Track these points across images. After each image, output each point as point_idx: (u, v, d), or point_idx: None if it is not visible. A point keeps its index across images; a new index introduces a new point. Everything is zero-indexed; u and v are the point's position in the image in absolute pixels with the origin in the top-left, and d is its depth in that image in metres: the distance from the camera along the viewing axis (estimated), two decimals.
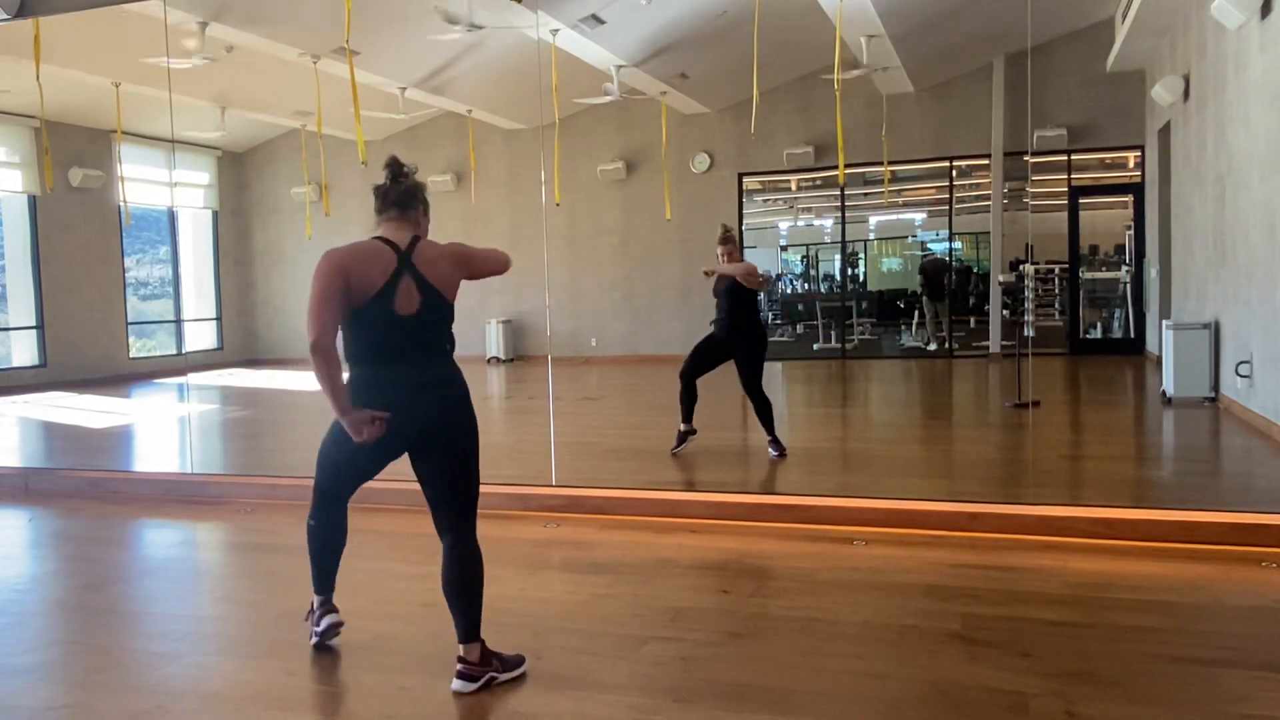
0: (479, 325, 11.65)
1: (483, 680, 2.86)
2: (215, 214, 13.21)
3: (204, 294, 13.02)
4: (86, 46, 8.78)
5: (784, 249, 12.68)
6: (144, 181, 12.45)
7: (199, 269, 13.20)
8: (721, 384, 6.26)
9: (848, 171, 9.55)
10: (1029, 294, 8.89)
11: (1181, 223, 8.92)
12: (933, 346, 11.22)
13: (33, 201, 11.40)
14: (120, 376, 12.04)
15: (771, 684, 2.86)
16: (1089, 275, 11.26)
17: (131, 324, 12.62)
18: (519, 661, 2.97)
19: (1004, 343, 10.39)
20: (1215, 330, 7.36)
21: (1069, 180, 11.05)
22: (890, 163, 10.41)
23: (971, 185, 11.59)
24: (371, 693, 2.90)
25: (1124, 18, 9.11)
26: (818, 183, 11.71)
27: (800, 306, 12.13)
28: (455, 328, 2.97)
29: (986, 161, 10.91)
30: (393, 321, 2.79)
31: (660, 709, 2.70)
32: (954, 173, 11.23)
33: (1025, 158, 10.72)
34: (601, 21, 8.82)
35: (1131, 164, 10.88)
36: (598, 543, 4.46)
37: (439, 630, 3.29)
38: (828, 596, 3.62)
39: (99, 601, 3.92)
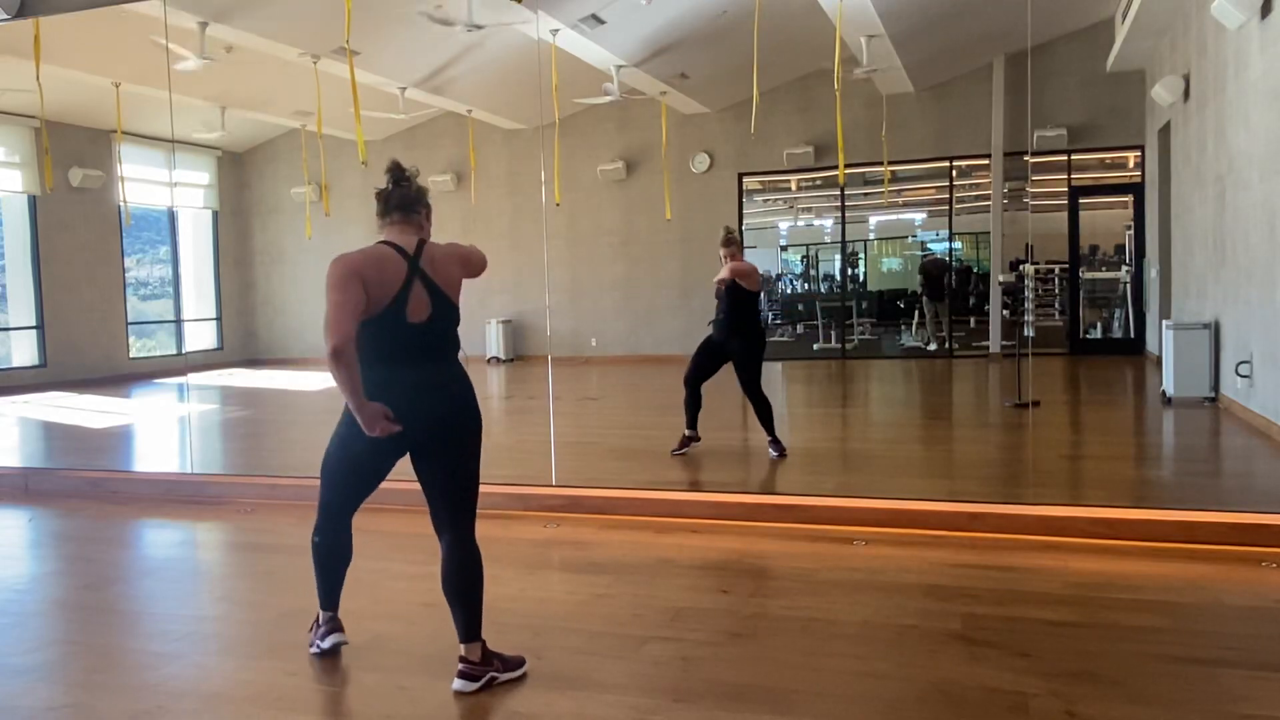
0: (479, 325, 11.65)
1: (484, 680, 2.86)
2: (215, 214, 13.22)
3: (204, 294, 13.03)
4: (86, 46, 8.78)
5: (784, 249, 12.69)
6: (144, 181, 12.46)
7: (199, 269, 13.21)
8: (722, 384, 6.26)
9: (848, 171, 9.55)
10: (1029, 294, 8.90)
11: (1181, 223, 8.92)
12: (933, 346, 11.22)
13: (33, 201, 11.40)
14: (120, 376, 12.05)
15: (771, 684, 2.86)
16: (1089, 275, 11.26)
17: (131, 324, 12.62)
18: (520, 662, 2.97)
19: (1004, 343, 10.39)
20: (1215, 330, 7.36)
21: (1069, 180, 11.05)
22: (890, 163, 10.41)
23: (971, 185, 11.59)
24: (371, 693, 2.90)
25: (1124, 18, 9.11)
26: (818, 183, 11.71)
27: (800, 306, 12.13)
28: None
29: (986, 161, 10.91)
30: (404, 329, 2.80)
31: (660, 709, 2.70)
32: (954, 173, 11.23)
33: (1025, 158, 10.72)
34: (601, 21, 8.82)
35: (1131, 164, 10.88)
36: (598, 543, 4.46)
37: (439, 630, 3.28)
38: (828, 596, 3.62)
39: (99, 601, 3.92)
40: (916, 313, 11.50)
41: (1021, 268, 9.82)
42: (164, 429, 9.03)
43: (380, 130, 11.54)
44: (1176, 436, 7.11)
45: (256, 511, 5.31)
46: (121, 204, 12.10)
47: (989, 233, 11.08)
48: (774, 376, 8.12)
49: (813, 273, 12.66)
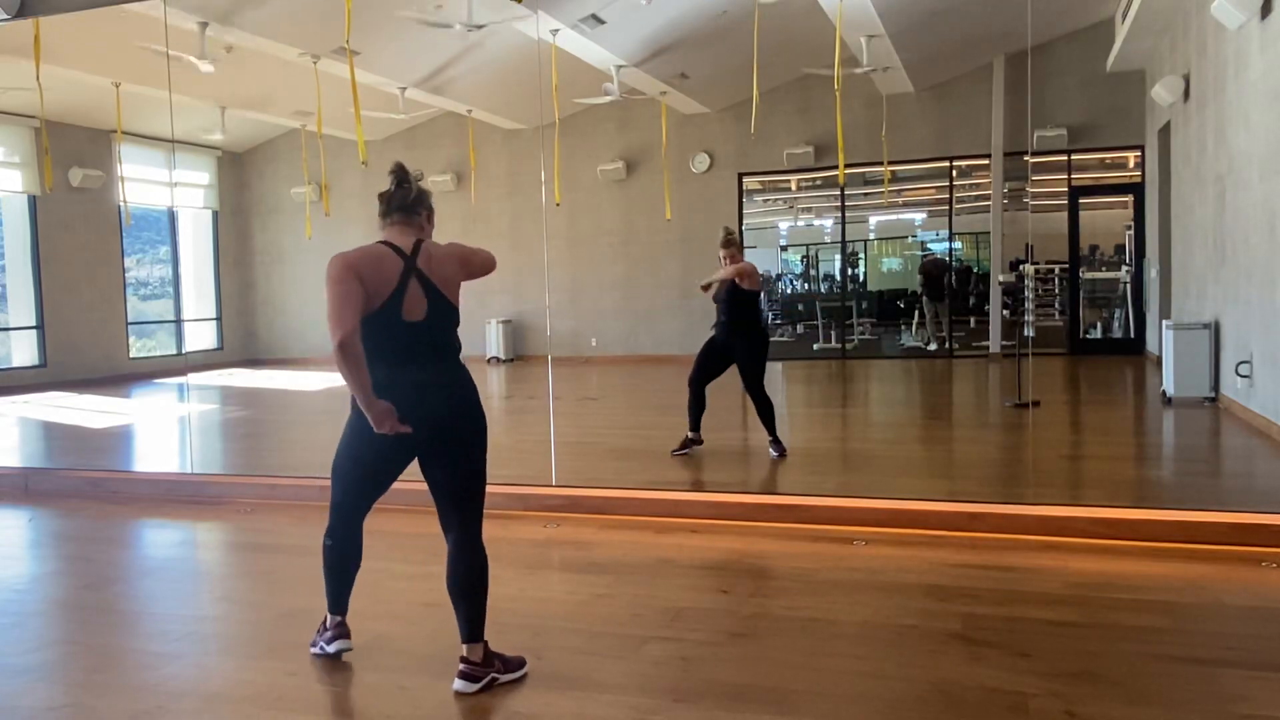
0: (479, 325, 11.65)
1: (484, 681, 2.86)
2: (215, 214, 13.22)
3: (204, 294, 13.03)
4: (86, 46, 8.78)
5: (784, 249, 12.69)
6: (144, 181, 12.46)
7: (199, 269, 13.21)
8: (722, 384, 6.26)
9: (848, 171, 9.55)
10: (1029, 294, 8.90)
11: (1181, 223, 8.92)
12: (933, 346, 11.22)
13: (33, 201, 11.40)
14: (120, 376, 12.05)
15: (771, 684, 2.86)
16: (1089, 275, 11.26)
17: (131, 324, 12.62)
18: (520, 663, 2.97)
19: (1004, 343, 10.39)
20: (1215, 330, 7.36)
21: (1069, 180, 11.05)
22: (890, 163, 10.42)
23: (971, 185, 11.59)
24: (371, 693, 2.90)
25: (1124, 18, 9.11)
26: (818, 183, 11.72)
27: (800, 306, 12.13)
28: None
29: (986, 161, 10.91)
30: (400, 327, 2.81)
31: (660, 709, 2.70)
32: (954, 173, 11.23)
33: (1025, 158, 10.72)
34: (601, 21, 8.82)
35: (1131, 164, 10.88)
36: (598, 543, 4.47)
37: (439, 630, 3.29)
38: (828, 596, 3.62)
39: (99, 601, 3.92)
40: (916, 313, 11.50)
41: (1021, 268, 9.82)
42: (164, 429, 9.03)
43: (380, 130, 11.54)
44: (1176, 436, 7.11)
45: (256, 511, 5.31)
46: (121, 204, 12.10)
47: (989, 233, 11.08)
48: (774, 376, 8.12)
49: (813, 273, 12.66)
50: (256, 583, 4.20)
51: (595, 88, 10.12)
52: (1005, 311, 10.40)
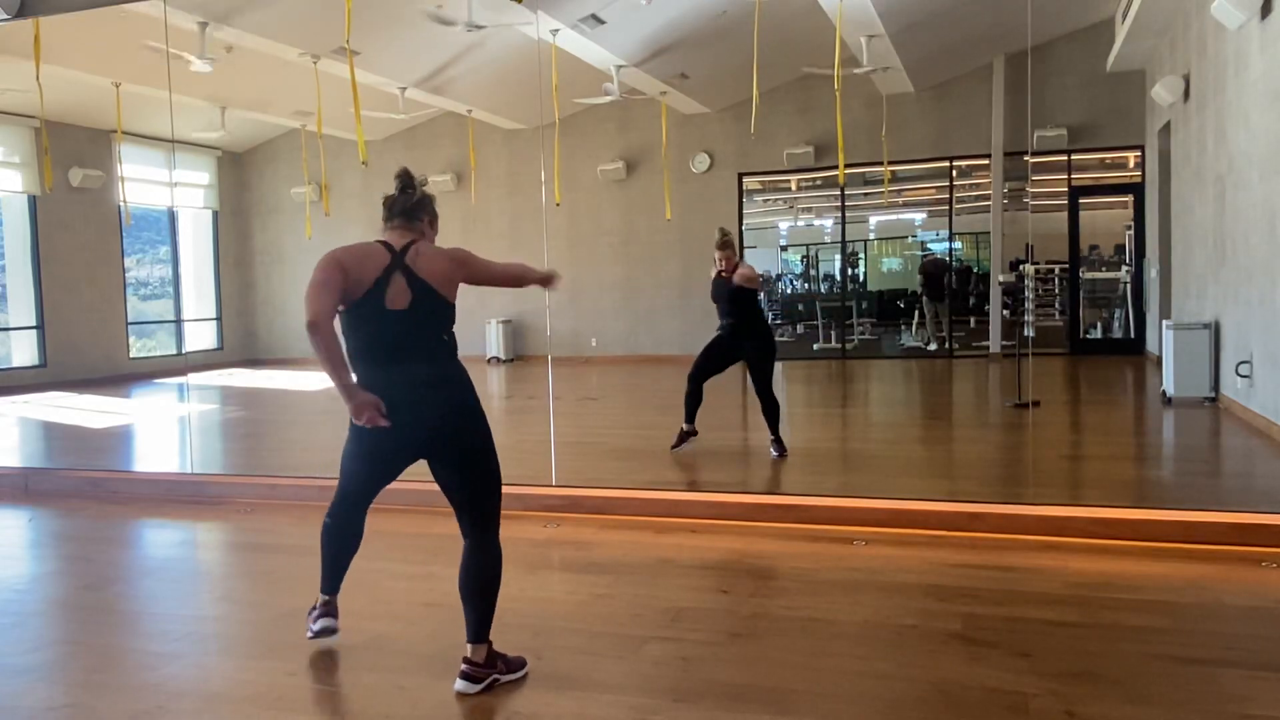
0: (479, 325, 11.65)
1: (486, 682, 2.86)
2: (215, 214, 13.22)
3: (204, 294, 13.03)
4: (86, 46, 8.78)
5: (784, 249, 12.69)
6: (144, 181, 12.45)
7: (199, 269, 13.20)
8: (722, 384, 6.26)
9: (848, 171, 9.55)
10: (1029, 294, 8.89)
11: (1181, 223, 8.92)
12: (933, 346, 11.23)
13: (33, 201, 11.40)
14: (120, 376, 12.05)
15: (771, 684, 2.86)
16: (1089, 275, 11.26)
17: (131, 324, 12.62)
18: (522, 663, 2.97)
19: (1004, 343, 10.39)
20: (1215, 330, 7.36)
21: (1069, 180, 11.05)
22: (890, 163, 10.42)
23: (971, 185, 11.59)
24: (371, 693, 2.90)
25: (1124, 18, 9.11)
26: (818, 183, 11.71)
27: (800, 306, 12.13)
28: (456, 328, 2.97)
29: (986, 161, 10.91)
30: (384, 316, 2.82)
31: (660, 709, 2.70)
32: (954, 173, 11.23)
33: (1025, 158, 10.72)
34: (601, 21, 8.82)
35: (1131, 164, 10.88)
36: (598, 543, 4.46)
37: (439, 630, 3.29)
38: (828, 596, 3.62)
39: (99, 601, 3.92)
40: (916, 313, 11.50)
41: (1021, 268, 9.83)
42: (164, 429, 9.03)
43: (380, 130, 11.54)
44: (1176, 436, 7.11)
45: (256, 511, 5.31)
46: (121, 204, 12.09)
47: (989, 233, 11.08)
48: (775, 376, 8.09)
49: (813, 273, 12.66)
50: (256, 583, 4.20)
51: (595, 88, 10.12)
52: (1005, 311, 10.40)
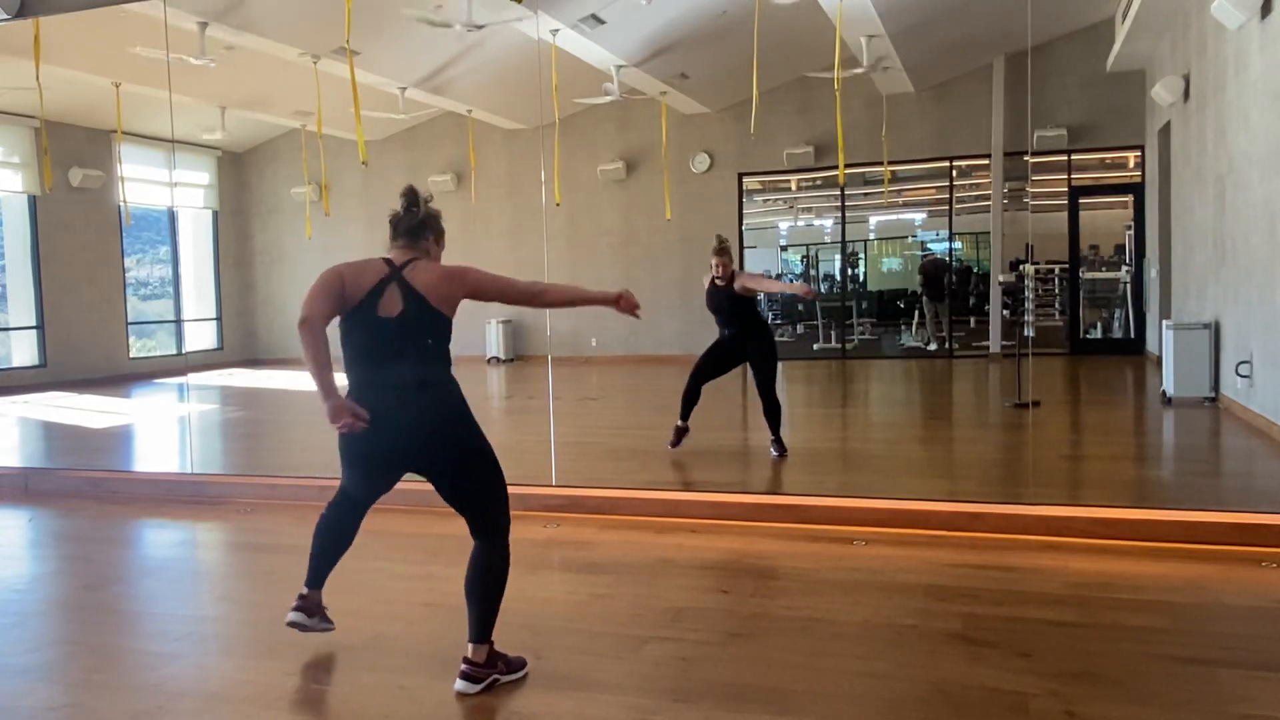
0: (479, 325, 11.65)
1: (486, 682, 2.86)
2: (215, 214, 13.21)
3: (204, 294, 13.03)
4: (86, 46, 8.78)
5: (784, 249, 12.68)
6: (144, 181, 12.45)
7: (199, 269, 13.20)
8: (722, 384, 6.26)
9: (848, 171, 9.54)
10: (1029, 294, 8.89)
11: (1181, 223, 8.92)
12: (933, 346, 11.22)
13: (33, 201, 11.40)
14: (120, 376, 12.05)
15: (771, 684, 2.86)
16: (1089, 275, 11.26)
17: (131, 324, 12.63)
18: (522, 663, 2.98)
19: (1004, 343, 10.39)
20: (1215, 330, 7.36)
21: (1069, 180, 11.05)
22: (890, 163, 10.41)
23: (971, 185, 11.58)
24: (371, 693, 2.90)
25: (1124, 18, 9.11)
26: (818, 183, 11.71)
27: (800, 306, 12.12)
28: (455, 327, 2.96)
29: (986, 161, 10.90)
30: (374, 323, 2.85)
31: (660, 709, 2.70)
32: (954, 173, 11.23)
33: (1025, 158, 10.72)
34: (601, 21, 8.82)
35: (1131, 164, 10.88)
36: (598, 543, 4.47)
37: (439, 630, 3.29)
38: (828, 596, 3.62)
39: (99, 601, 3.92)
40: (916, 313, 11.50)
41: (1021, 268, 9.82)
42: (164, 429, 9.03)
43: (380, 130, 11.54)
44: (1176, 436, 7.11)
45: (256, 511, 5.31)
46: (121, 204, 12.09)
47: (989, 233, 11.07)
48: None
49: (813, 273, 12.65)
50: (256, 583, 4.20)
51: (595, 88, 10.12)
52: (1005, 311, 10.39)
